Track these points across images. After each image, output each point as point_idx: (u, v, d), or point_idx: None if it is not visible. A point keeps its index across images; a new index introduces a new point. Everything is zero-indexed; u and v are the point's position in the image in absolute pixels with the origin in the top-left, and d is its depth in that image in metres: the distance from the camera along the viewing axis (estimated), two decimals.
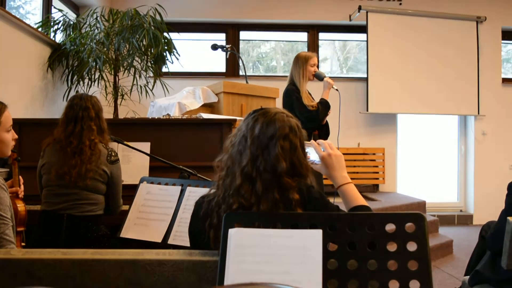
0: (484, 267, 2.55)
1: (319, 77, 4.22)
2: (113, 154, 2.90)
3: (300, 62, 4.19)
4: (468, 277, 2.76)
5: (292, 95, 4.11)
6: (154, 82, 5.61)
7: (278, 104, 4.52)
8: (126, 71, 5.45)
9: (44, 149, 2.90)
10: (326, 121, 4.28)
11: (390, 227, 1.30)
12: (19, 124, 3.43)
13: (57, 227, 2.74)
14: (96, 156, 2.79)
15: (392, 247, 1.28)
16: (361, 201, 1.70)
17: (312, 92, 4.38)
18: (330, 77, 4.27)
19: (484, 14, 7.47)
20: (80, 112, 2.83)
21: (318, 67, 4.31)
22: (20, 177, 2.69)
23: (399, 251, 1.28)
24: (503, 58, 7.81)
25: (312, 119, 4.06)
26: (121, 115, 5.57)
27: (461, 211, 7.74)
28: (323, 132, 4.28)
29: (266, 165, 1.56)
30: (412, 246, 1.27)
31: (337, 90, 4.20)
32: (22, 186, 2.68)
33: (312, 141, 1.83)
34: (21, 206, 2.57)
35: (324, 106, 4.14)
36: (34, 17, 5.56)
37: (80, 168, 2.74)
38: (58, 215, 2.75)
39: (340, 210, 1.60)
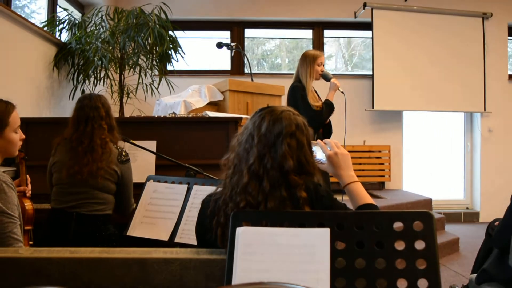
0: (491, 266, 2.55)
1: (326, 77, 4.20)
2: (123, 154, 2.92)
3: (308, 60, 4.17)
4: (474, 275, 2.75)
5: (298, 92, 4.09)
6: (160, 80, 5.61)
7: (284, 101, 4.52)
8: (132, 69, 5.46)
9: (55, 147, 2.92)
10: (329, 120, 4.28)
11: (398, 225, 1.30)
12: (25, 123, 3.42)
13: (65, 225, 2.75)
14: (107, 155, 2.81)
15: (400, 245, 1.28)
16: (368, 199, 1.70)
17: (318, 90, 4.38)
18: (335, 75, 4.27)
19: (490, 10, 7.43)
20: (91, 112, 2.85)
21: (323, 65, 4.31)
22: (28, 176, 2.70)
23: (407, 249, 1.28)
24: (509, 55, 7.76)
25: (315, 119, 4.03)
26: (126, 114, 5.58)
27: (467, 208, 7.72)
28: (326, 131, 4.28)
29: (273, 163, 1.56)
30: (420, 245, 1.27)
31: (342, 92, 4.19)
32: (29, 185, 2.69)
33: (319, 140, 1.83)
34: (28, 205, 2.58)
35: (328, 107, 4.14)
36: (39, 16, 5.58)
37: (92, 166, 2.75)
38: (67, 213, 2.76)
39: (348, 208, 1.60)
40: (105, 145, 2.82)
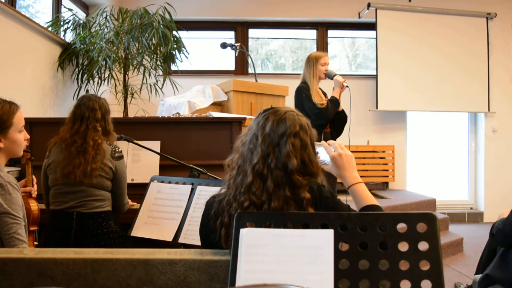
0: (494, 269, 2.53)
1: (329, 75, 4.26)
2: (117, 150, 2.91)
3: (311, 62, 4.25)
4: (478, 275, 2.74)
5: (302, 92, 4.15)
6: (164, 80, 5.63)
7: (288, 102, 4.52)
8: (136, 69, 5.48)
9: (50, 148, 2.92)
10: (343, 109, 4.30)
11: (401, 226, 1.30)
12: (29, 124, 3.45)
13: (67, 226, 2.75)
14: (101, 156, 2.81)
15: (403, 246, 1.28)
16: (371, 200, 1.70)
17: (329, 92, 4.39)
18: (340, 75, 4.28)
19: (494, 10, 7.41)
20: (87, 112, 2.86)
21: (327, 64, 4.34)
22: (33, 176, 2.71)
23: (410, 251, 1.28)
24: None
25: (320, 116, 4.09)
26: (130, 114, 5.59)
27: (471, 208, 7.70)
28: (337, 121, 4.27)
29: (277, 162, 1.57)
30: (423, 246, 1.27)
31: (347, 86, 4.20)
32: (35, 186, 2.69)
33: (323, 141, 1.84)
34: (34, 205, 2.59)
35: (333, 103, 4.16)
36: (43, 16, 5.59)
37: (85, 167, 2.75)
38: (68, 213, 2.77)
39: (351, 209, 1.60)
40: (98, 146, 2.81)
